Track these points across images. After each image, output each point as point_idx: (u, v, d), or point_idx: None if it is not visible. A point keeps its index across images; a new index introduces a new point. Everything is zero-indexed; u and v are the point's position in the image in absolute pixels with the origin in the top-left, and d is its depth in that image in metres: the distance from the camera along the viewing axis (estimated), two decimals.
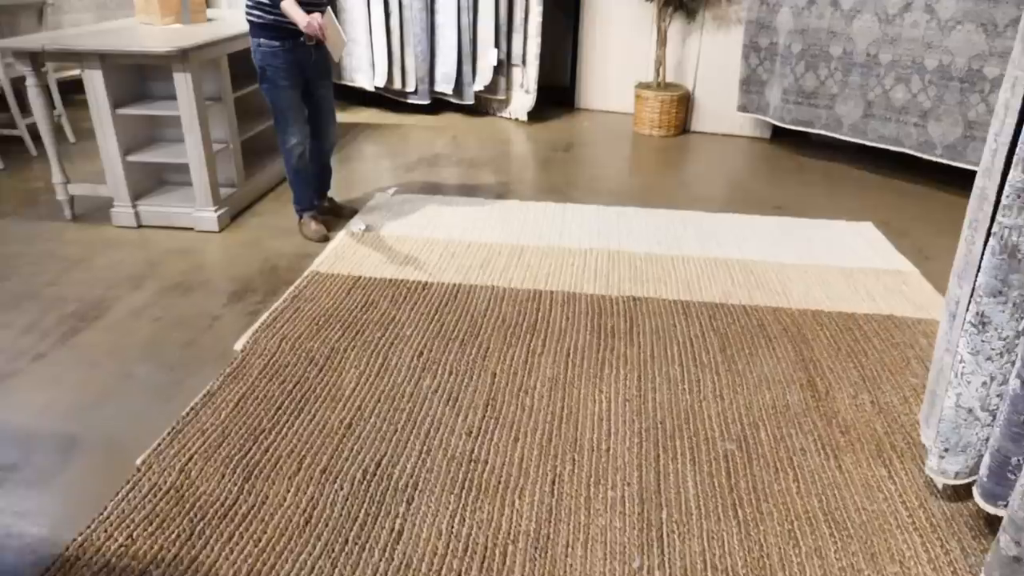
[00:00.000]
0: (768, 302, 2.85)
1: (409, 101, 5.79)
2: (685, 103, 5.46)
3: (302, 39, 3.13)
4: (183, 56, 3.26)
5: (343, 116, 5.77)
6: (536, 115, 5.67)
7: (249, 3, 3.09)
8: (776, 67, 4.84)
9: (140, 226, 3.64)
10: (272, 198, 4.04)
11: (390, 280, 3.00)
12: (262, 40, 3.11)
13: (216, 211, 3.58)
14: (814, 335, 2.60)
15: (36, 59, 3.36)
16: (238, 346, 2.54)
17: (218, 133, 3.75)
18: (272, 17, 3.06)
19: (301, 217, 3.55)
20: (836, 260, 3.28)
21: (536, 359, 2.42)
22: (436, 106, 5.86)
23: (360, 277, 3.02)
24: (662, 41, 5.29)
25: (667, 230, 3.60)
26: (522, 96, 5.66)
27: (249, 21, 3.12)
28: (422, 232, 3.52)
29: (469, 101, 5.72)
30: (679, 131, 5.49)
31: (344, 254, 3.26)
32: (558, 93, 6.31)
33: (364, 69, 5.72)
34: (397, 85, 5.72)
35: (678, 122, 5.44)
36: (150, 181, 3.81)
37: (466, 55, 5.53)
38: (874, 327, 2.66)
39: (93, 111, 3.43)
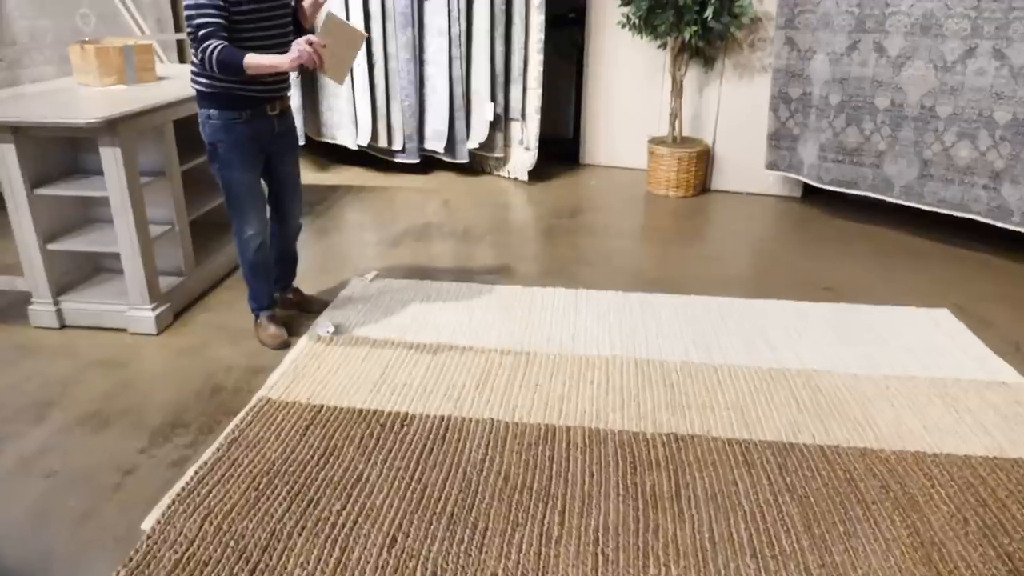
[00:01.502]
0: (851, 439, 2.19)
1: (396, 160, 5.20)
2: (704, 160, 4.87)
3: (264, 107, 2.56)
4: (110, 128, 2.65)
5: (323, 176, 5.19)
6: (537, 173, 5.08)
7: (194, 68, 2.49)
8: (810, 120, 4.26)
9: (64, 326, 3.00)
10: (228, 286, 3.41)
11: (359, 412, 2.34)
12: (212, 111, 2.51)
13: (154, 309, 2.94)
14: (925, 497, 1.94)
15: None
16: (146, 525, 1.87)
17: (161, 213, 3.13)
18: (224, 85, 2.47)
19: (258, 317, 2.91)
20: (919, 367, 2.63)
21: (552, 551, 1.75)
22: (426, 164, 5.28)
23: (321, 408, 2.36)
24: (677, 92, 4.72)
25: (702, 325, 2.96)
26: (522, 153, 5.07)
27: (196, 89, 2.53)
28: (404, 334, 2.88)
29: (463, 160, 5.13)
30: (698, 191, 4.89)
31: (305, 369, 2.60)
32: (561, 146, 5.73)
33: (346, 126, 5.14)
34: (383, 143, 5.13)
35: (697, 181, 4.84)
36: (82, 269, 3.19)
37: (459, 109, 4.96)
38: (1002, 480, 2.00)
39: (6, 191, 2.81)
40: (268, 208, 2.84)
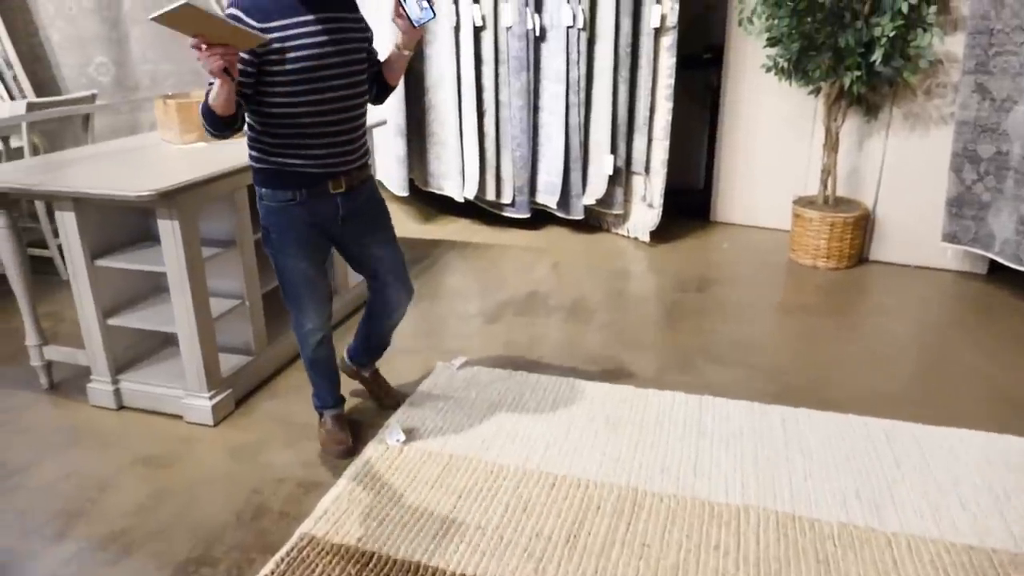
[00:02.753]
0: None
1: (506, 214, 4.78)
2: (863, 226, 4.11)
3: (325, 185, 2.10)
4: (167, 200, 2.35)
5: (427, 229, 4.84)
6: (661, 232, 4.49)
7: (250, 133, 2.12)
8: (1007, 186, 3.45)
9: (121, 407, 2.74)
10: (301, 366, 3.05)
11: (416, 567, 1.86)
12: (264, 191, 2.14)
13: (212, 397, 2.61)
14: None
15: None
16: None
17: (230, 286, 2.83)
18: (274, 160, 2.08)
19: (321, 416, 2.51)
20: None
21: None
22: (538, 218, 4.82)
23: (372, 558, 1.90)
24: (832, 145, 4.01)
25: (866, 464, 2.28)
26: (644, 211, 4.51)
27: (250, 161, 2.17)
28: (486, 449, 2.38)
29: (577, 216, 4.63)
30: (853, 262, 4.13)
31: (362, 495, 2.16)
32: (689, 198, 5.12)
33: (453, 176, 4.78)
34: (491, 195, 4.73)
35: (852, 250, 4.09)
36: (148, 343, 2.93)
37: (575, 161, 4.47)
38: None
39: (68, 260, 2.59)
40: (368, 290, 2.45)
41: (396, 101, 4.64)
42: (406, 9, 2.01)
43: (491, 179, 4.68)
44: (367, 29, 2.12)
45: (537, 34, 4.36)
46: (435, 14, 2.04)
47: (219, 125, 1.95)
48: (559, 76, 4.34)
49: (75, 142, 4.22)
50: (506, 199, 4.72)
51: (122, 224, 2.75)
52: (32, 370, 2.91)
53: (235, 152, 2.80)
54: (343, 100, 2.05)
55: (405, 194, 4.86)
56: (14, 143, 3.96)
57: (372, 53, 2.20)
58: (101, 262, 2.60)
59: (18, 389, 2.90)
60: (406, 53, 2.19)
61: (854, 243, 4.08)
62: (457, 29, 4.40)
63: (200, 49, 1.76)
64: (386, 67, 2.24)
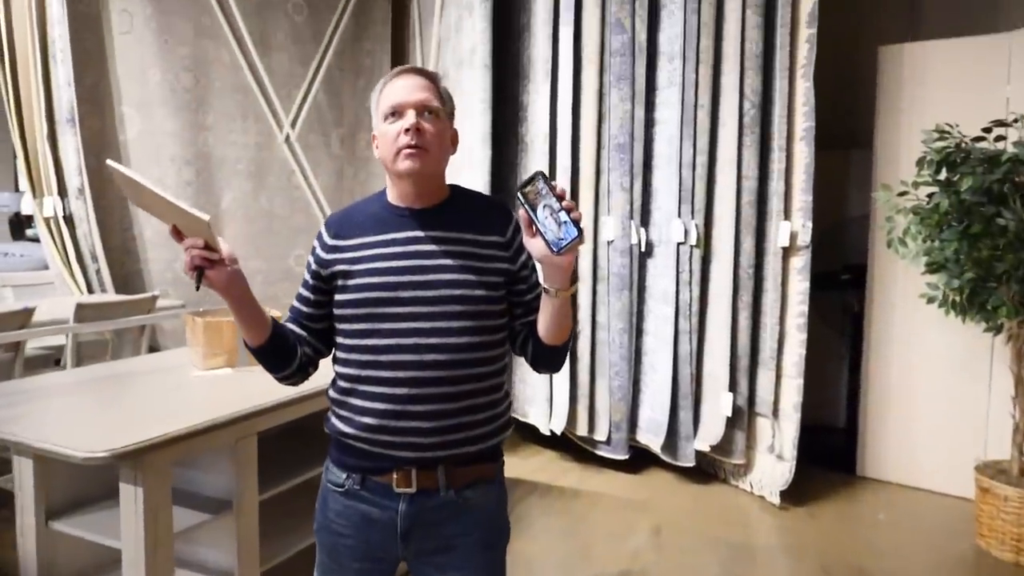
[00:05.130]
0: None
1: (599, 452, 4.00)
2: None
3: (387, 476, 1.41)
4: (132, 460, 1.79)
5: (509, 461, 4.08)
6: (795, 489, 3.55)
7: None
8: None
9: None
10: None
11: None
12: (327, 462, 1.51)
13: None
14: None
15: None
16: None
17: (221, 560, 2.16)
18: (332, 419, 1.48)
19: None
20: None
21: None
22: (639, 456, 4.00)
23: None
24: None
25: None
26: (772, 463, 3.62)
27: None
28: None
29: (687, 463, 3.78)
30: None
31: None
32: (827, 440, 4.18)
33: (539, 403, 4.11)
34: (582, 430, 3.99)
35: None
36: None
37: (685, 397, 3.72)
38: None
39: (17, 518, 2.03)
40: None
41: None
42: (538, 225, 1.27)
43: (583, 410, 3.96)
44: (509, 259, 1.43)
45: (643, 249, 3.83)
46: (581, 232, 1.28)
47: (259, 359, 1.45)
48: (667, 297, 3.72)
49: (134, 345, 3.92)
50: (600, 435, 3.96)
51: (95, 474, 2.20)
52: None
53: (259, 387, 2.25)
54: (429, 352, 1.38)
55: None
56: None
57: (519, 293, 1.48)
58: (57, 524, 2.03)
59: None
60: (554, 292, 1.35)
61: None
62: None
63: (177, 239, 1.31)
64: (539, 316, 1.44)
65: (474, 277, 1.40)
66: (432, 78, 1.45)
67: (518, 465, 4.11)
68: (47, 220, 4.25)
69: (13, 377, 3.40)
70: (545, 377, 4.00)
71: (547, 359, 1.47)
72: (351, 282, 1.41)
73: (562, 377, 3.92)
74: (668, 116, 3.74)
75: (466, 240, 1.43)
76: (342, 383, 1.45)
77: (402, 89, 1.41)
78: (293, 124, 5.11)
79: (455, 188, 1.51)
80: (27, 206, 4.22)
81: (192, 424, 1.96)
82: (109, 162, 1.35)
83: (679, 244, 3.66)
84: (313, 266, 1.47)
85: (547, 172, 3.85)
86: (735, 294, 3.58)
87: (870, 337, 3.86)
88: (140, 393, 2.33)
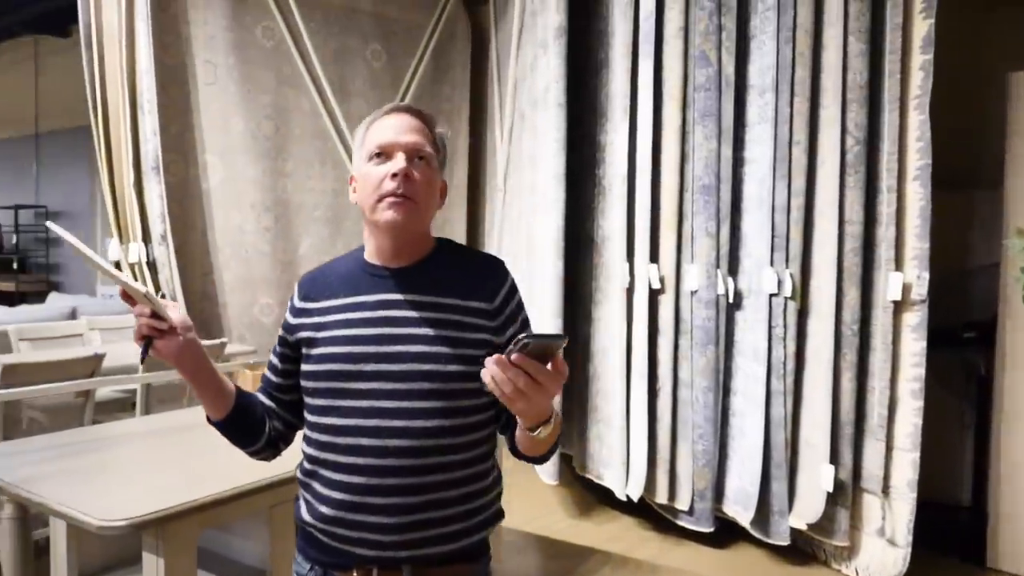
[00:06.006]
0: None
1: (681, 523, 3.62)
2: None
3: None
4: (154, 529, 1.65)
5: (580, 527, 3.78)
6: None
7: None
8: None
9: None
10: None
11: None
12: (295, 553, 1.31)
13: None
14: None
15: None
16: None
17: None
18: (298, 506, 1.28)
19: None
20: None
21: None
22: (725, 531, 3.59)
23: None
24: None
25: None
26: (882, 548, 3.14)
27: None
28: None
29: (781, 541, 3.35)
30: None
31: None
32: (948, 519, 3.64)
33: (615, 465, 3.78)
34: (662, 497, 3.63)
35: None
36: None
37: (778, 467, 3.31)
38: None
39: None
40: None
41: None
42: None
43: (663, 475, 3.61)
44: (494, 329, 1.23)
45: (730, 300, 3.48)
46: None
47: (222, 433, 1.30)
48: (758, 354, 3.35)
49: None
50: (682, 504, 3.58)
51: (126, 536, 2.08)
52: None
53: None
54: (392, 436, 1.17)
55: (554, 482, 3.91)
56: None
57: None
58: None
59: None
60: (529, 432, 1.12)
61: None
62: (630, 291, 3.65)
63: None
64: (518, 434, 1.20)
65: (449, 350, 1.18)
66: (427, 121, 1.26)
67: (590, 532, 3.78)
68: (132, 266, 4.34)
69: (83, 423, 3.42)
70: (621, 436, 3.68)
71: (528, 457, 1.23)
72: (314, 351, 1.23)
73: (639, 438, 3.59)
74: (759, 154, 3.42)
75: (445, 305, 1.21)
76: (306, 464, 1.26)
77: (392, 129, 1.22)
78: None
79: (443, 243, 1.30)
80: (114, 252, 4.31)
81: (221, 491, 1.82)
82: (49, 224, 1.23)
83: (771, 296, 3.30)
84: (281, 332, 1.30)
85: (626, 216, 3.60)
86: (837, 352, 3.17)
87: (1001, 404, 3.33)
88: (183, 449, 2.24)
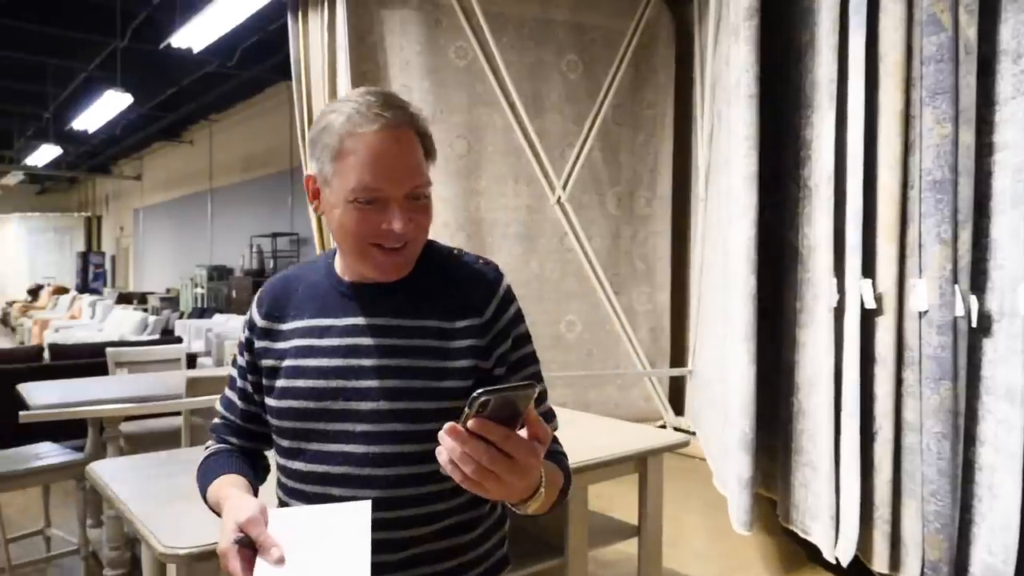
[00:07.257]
0: None
1: None
2: None
3: None
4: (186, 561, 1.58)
5: None
6: None
7: None
8: None
9: None
10: None
11: None
12: None
13: None
14: None
15: None
16: None
17: None
18: None
19: None
20: None
21: None
22: None
23: None
24: None
25: None
26: None
27: None
28: None
29: None
30: None
31: None
32: None
33: (823, 518, 3.16)
34: (881, 565, 2.95)
35: None
36: None
37: None
38: None
39: None
40: None
41: (741, 398, 3.35)
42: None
43: (881, 538, 2.93)
44: (482, 351, 1.02)
45: (973, 324, 2.75)
46: None
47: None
48: (1013, 394, 2.59)
49: None
50: (910, 574, 2.88)
51: None
52: None
53: None
54: (363, 486, 0.99)
55: (746, 532, 3.38)
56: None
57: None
58: None
59: None
60: (513, 509, 0.94)
61: None
62: (839, 312, 3.05)
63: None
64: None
65: (427, 383, 0.97)
66: (416, 126, 1.02)
67: None
68: None
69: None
70: (829, 484, 3.07)
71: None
72: (277, 384, 1.04)
73: (850, 490, 2.96)
74: (1013, 139, 2.67)
75: (426, 329, 0.99)
76: (278, 508, 1.07)
77: (385, 168, 0.97)
78: (565, 185, 4.93)
79: (429, 251, 1.06)
80: None
81: None
82: None
83: None
84: (246, 354, 1.11)
85: (832, 221, 3.04)
86: None
87: None
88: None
